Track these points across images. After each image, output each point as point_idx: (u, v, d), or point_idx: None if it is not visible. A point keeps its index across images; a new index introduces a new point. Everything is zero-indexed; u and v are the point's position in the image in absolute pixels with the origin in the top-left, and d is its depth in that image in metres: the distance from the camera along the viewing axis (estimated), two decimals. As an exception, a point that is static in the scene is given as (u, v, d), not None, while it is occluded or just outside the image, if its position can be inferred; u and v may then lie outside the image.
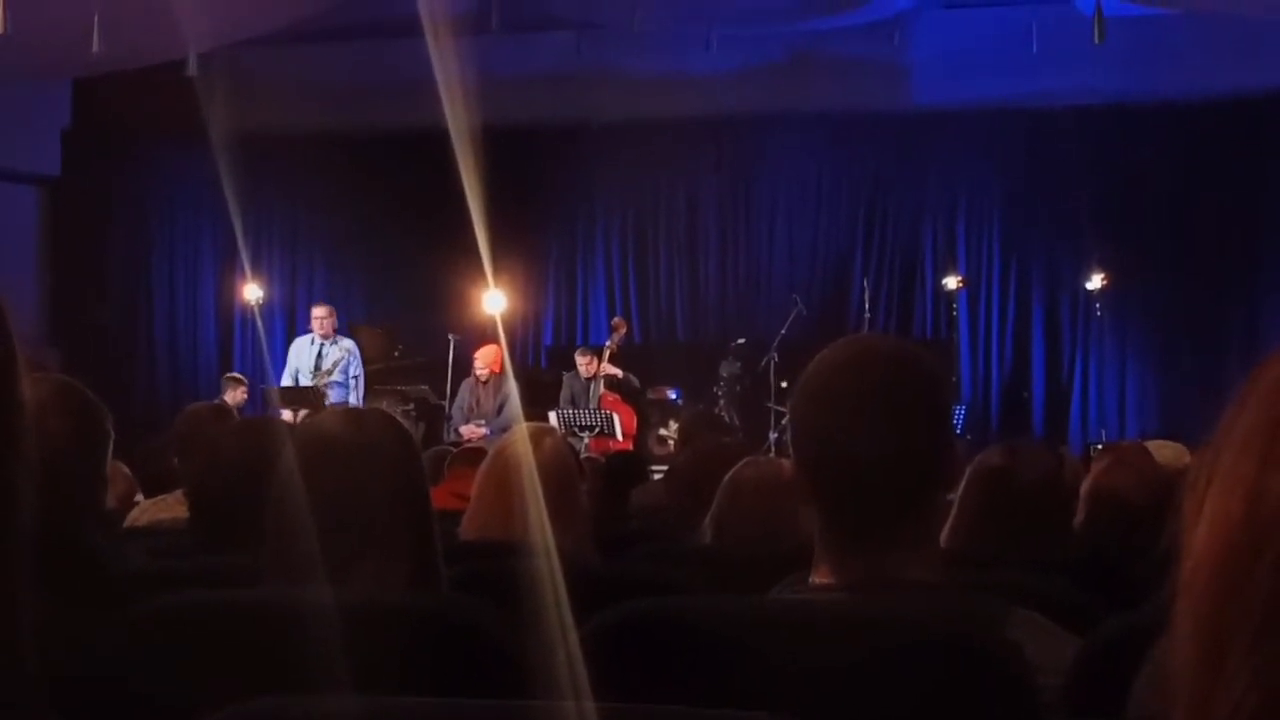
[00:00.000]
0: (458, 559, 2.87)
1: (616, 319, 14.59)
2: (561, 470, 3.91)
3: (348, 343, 13.43)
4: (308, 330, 13.65)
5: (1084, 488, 4.43)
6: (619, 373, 13.53)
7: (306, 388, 12.97)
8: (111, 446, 3.08)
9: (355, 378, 13.30)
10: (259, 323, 15.26)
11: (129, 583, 2.69)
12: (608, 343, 13.90)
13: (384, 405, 11.39)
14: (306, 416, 10.49)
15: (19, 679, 0.93)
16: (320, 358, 13.24)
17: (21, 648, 0.93)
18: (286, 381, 13.32)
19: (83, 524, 2.88)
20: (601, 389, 13.43)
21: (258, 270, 15.41)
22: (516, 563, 2.67)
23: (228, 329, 16.72)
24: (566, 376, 13.74)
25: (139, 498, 6.08)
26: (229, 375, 14.00)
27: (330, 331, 13.31)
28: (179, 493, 4.93)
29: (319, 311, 13.42)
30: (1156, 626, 1.00)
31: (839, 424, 2.12)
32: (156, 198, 16.41)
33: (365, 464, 2.43)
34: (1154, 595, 1.03)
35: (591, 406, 13.26)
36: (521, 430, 3.99)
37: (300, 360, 13.33)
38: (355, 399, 12.91)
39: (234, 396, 13.15)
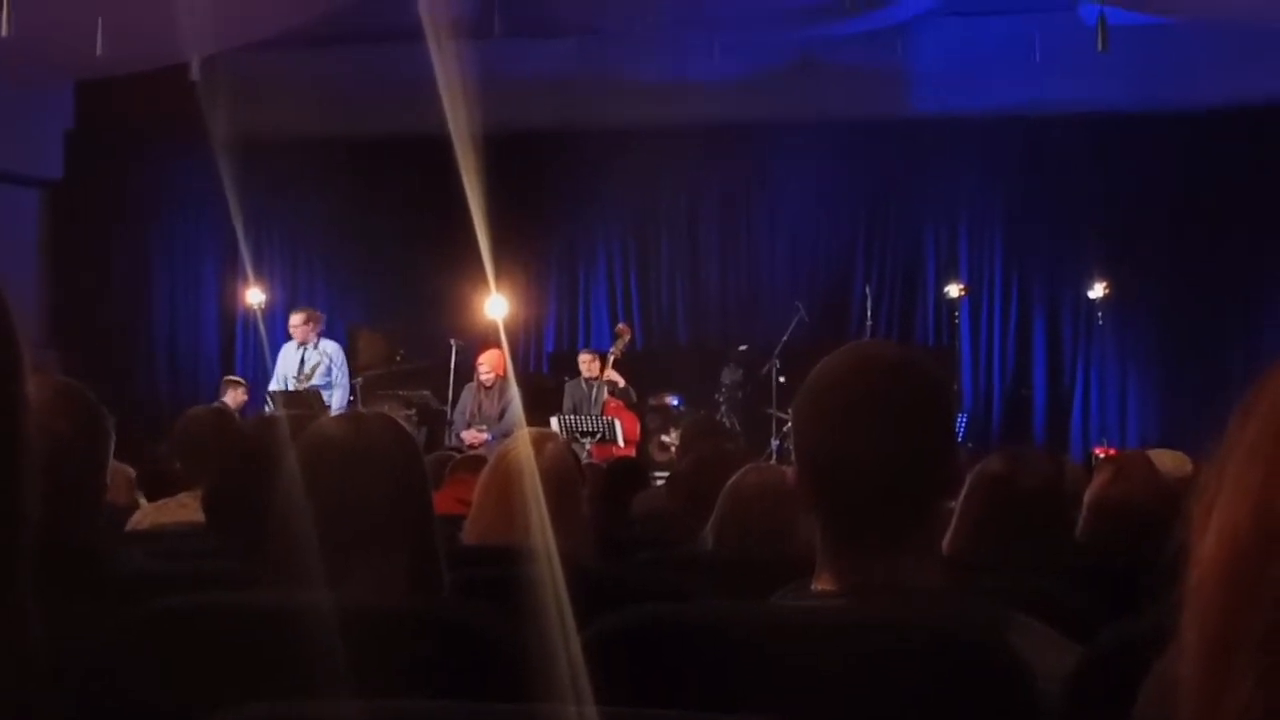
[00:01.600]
0: (460, 564, 2.87)
1: (620, 325, 14.59)
2: (563, 475, 3.90)
3: (329, 346, 13.30)
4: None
5: (1087, 497, 4.43)
6: (620, 380, 13.53)
7: (303, 391, 12.93)
8: (113, 448, 3.08)
9: (337, 378, 13.19)
10: (261, 326, 15.25)
11: (129, 585, 2.68)
12: (611, 349, 13.90)
13: (385, 410, 11.37)
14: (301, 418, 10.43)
15: (26, 681, 0.93)
16: (302, 363, 13.21)
17: (29, 650, 0.93)
18: (275, 386, 13.29)
19: (85, 526, 2.88)
20: (605, 395, 13.43)
21: (260, 274, 15.42)
22: (518, 568, 2.66)
23: (229, 332, 16.74)
24: (569, 384, 13.74)
25: (141, 500, 6.08)
26: (228, 378, 14.02)
27: (307, 337, 13.22)
28: (181, 496, 4.93)
29: (294, 319, 13.30)
30: (1159, 635, 0.99)
31: (840, 431, 2.12)
32: (159, 201, 16.40)
33: (366, 467, 2.43)
34: (1156, 604, 1.02)
35: (594, 413, 13.26)
36: (524, 435, 3.98)
37: (286, 365, 13.31)
38: (336, 402, 12.83)
39: (234, 398, 13.16)
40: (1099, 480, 4.47)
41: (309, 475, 2.39)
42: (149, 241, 16.68)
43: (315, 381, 13.03)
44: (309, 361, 13.17)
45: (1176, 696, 0.90)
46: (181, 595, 2.23)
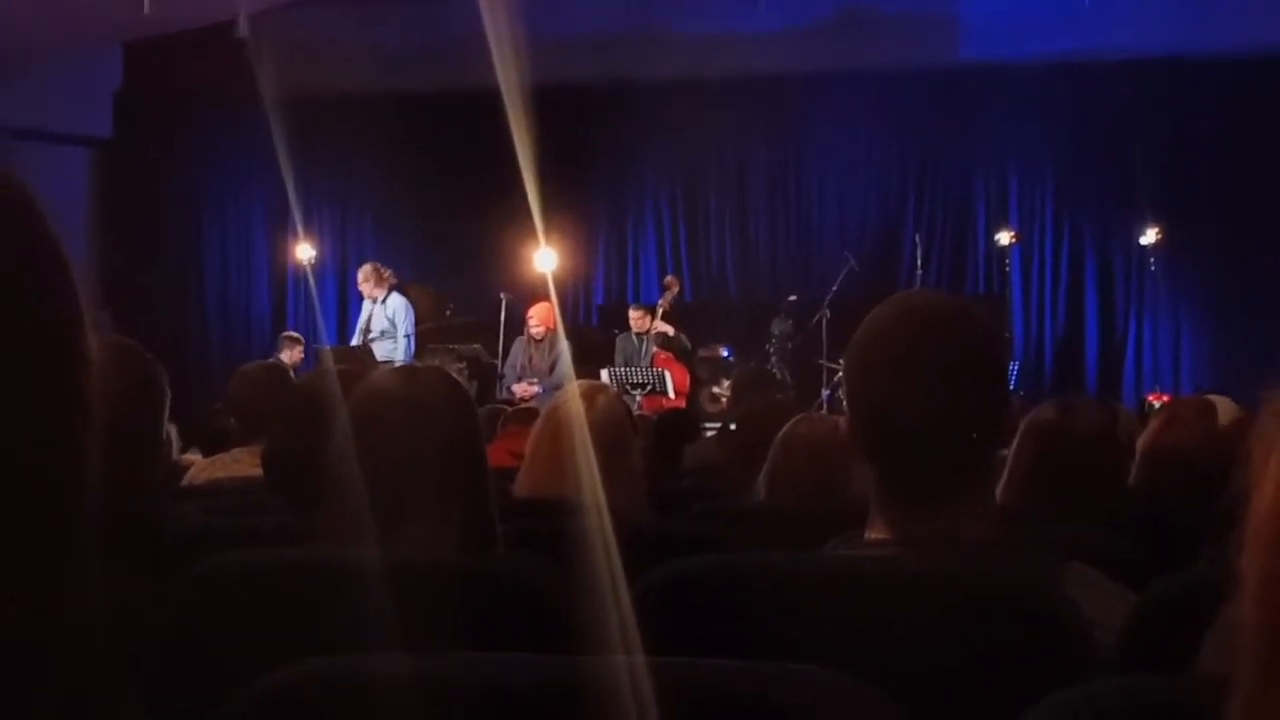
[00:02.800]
0: (512, 517, 2.88)
1: (668, 277, 14.57)
2: (615, 428, 3.90)
3: (395, 302, 13.44)
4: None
5: (1141, 443, 4.41)
6: (670, 330, 13.53)
7: (354, 346, 13.06)
8: (168, 406, 3.09)
9: (406, 336, 13.30)
10: (311, 282, 15.31)
11: (188, 545, 2.70)
12: (660, 301, 13.90)
13: (437, 364, 11.42)
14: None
15: (91, 654, 0.93)
16: (370, 318, 13.36)
17: (93, 622, 0.93)
18: (356, 339, 13.48)
19: (144, 487, 2.89)
20: (654, 347, 13.43)
21: (310, 230, 15.46)
22: (569, 521, 2.67)
23: (280, 289, 16.79)
24: (620, 337, 13.75)
25: (195, 455, 6.14)
26: (286, 334, 14.09)
27: (373, 293, 13.37)
28: (235, 451, 4.97)
29: (358, 275, 13.56)
30: (1215, 583, 0.99)
31: (891, 381, 2.11)
32: (208, 159, 16.43)
33: (419, 420, 2.44)
34: (1212, 551, 1.02)
35: (644, 365, 13.26)
36: (575, 388, 3.98)
37: (361, 320, 13.52)
38: (399, 355, 12.92)
39: (290, 356, 13.23)
40: (1153, 426, 4.45)
41: (362, 430, 2.40)
42: (199, 199, 16.73)
43: (373, 336, 13.15)
44: (376, 318, 13.31)
45: (1237, 644, 0.90)
46: (227, 554, 2.24)
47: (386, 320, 13.34)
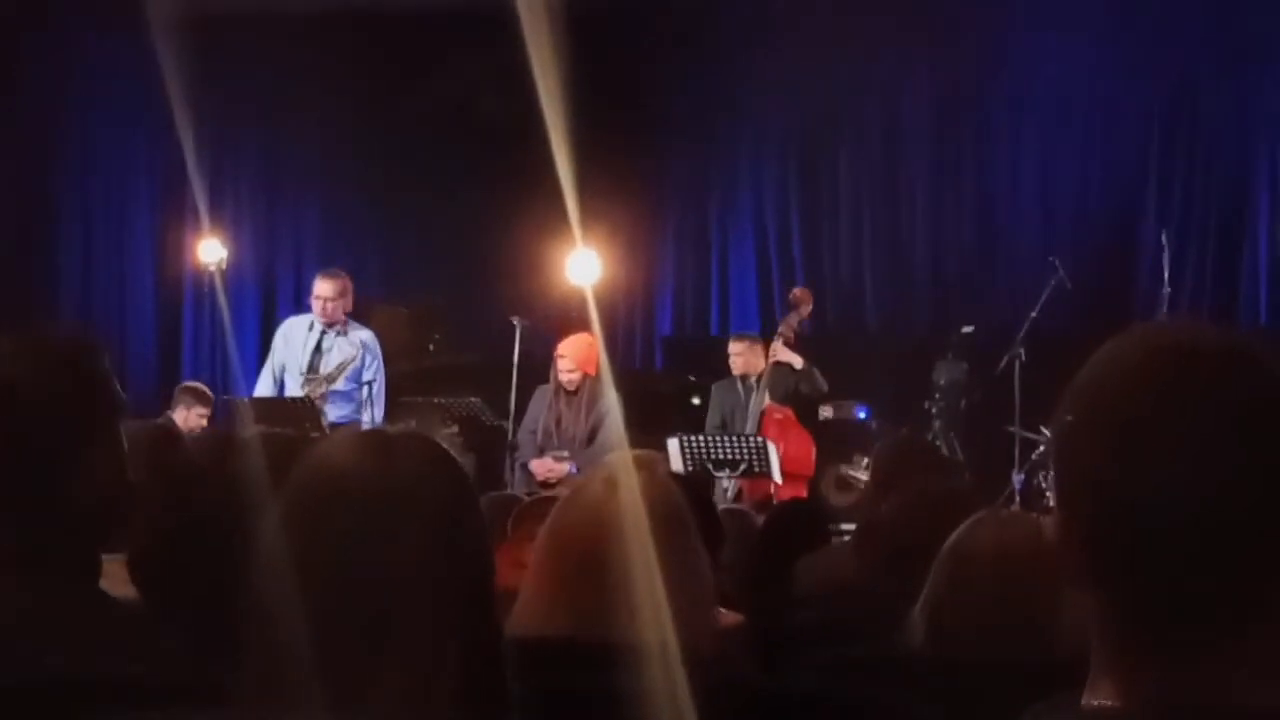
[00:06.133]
0: (518, 668, 2.85)
1: (798, 290, 14.47)
2: (678, 523, 3.86)
3: (364, 335, 13.29)
4: (308, 308, 13.45)
5: None
6: (797, 361, 13.44)
7: (293, 399, 12.93)
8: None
9: (370, 385, 13.23)
10: (221, 297, 15.35)
11: (28, 704, 2.71)
12: (781, 328, 13.86)
13: (415, 426, 11.45)
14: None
15: None
16: (319, 353, 13.23)
17: None
18: (265, 380, 13.28)
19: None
20: (766, 400, 13.39)
21: (219, 217, 15.50)
22: (615, 675, 2.67)
23: (172, 306, 16.83)
24: (718, 387, 13.70)
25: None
26: (186, 385, 14.08)
27: (339, 318, 13.22)
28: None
29: (325, 288, 13.15)
30: None
31: (1134, 463, 2.10)
32: (66, 101, 16.55)
33: (398, 521, 2.43)
34: None
35: (747, 431, 13.17)
36: (625, 457, 3.96)
37: (290, 352, 13.28)
38: (369, 418, 12.90)
39: (186, 418, 13.20)
40: None
41: (307, 532, 2.40)
42: (49, 163, 16.81)
43: (338, 386, 13.05)
44: (333, 354, 13.16)
45: None
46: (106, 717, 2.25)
47: (359, 359, 13.16)
